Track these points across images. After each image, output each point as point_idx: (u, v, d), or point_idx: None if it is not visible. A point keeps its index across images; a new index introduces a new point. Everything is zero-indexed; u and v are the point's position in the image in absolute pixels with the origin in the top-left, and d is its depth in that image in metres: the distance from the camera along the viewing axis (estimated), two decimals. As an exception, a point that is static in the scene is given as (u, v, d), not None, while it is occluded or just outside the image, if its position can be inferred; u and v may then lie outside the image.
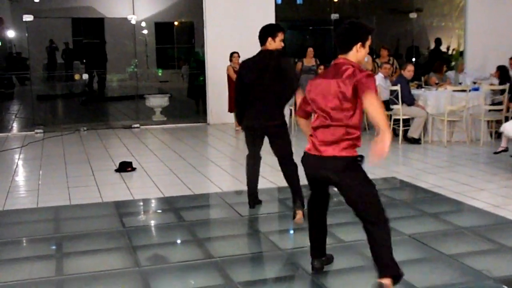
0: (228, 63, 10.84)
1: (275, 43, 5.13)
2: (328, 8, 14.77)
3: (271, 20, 11.62)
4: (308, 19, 18.01)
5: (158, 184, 6.75)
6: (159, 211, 5.93)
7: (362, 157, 3.49)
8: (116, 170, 7.48)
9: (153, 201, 6.13)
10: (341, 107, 3.40)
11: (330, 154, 3.45)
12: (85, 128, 11.43)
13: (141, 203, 6.04)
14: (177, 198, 6.15)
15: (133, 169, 7.55)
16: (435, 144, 9.06)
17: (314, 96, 3.53)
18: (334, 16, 13.31)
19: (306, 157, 3.63)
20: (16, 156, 8.86)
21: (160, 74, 18.56)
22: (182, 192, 6.40)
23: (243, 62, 5.32)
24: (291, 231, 5.20)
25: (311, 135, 3.61)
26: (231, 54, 10.71)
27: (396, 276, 3.48)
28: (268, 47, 5.15)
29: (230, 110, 10.93)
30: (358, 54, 3.45)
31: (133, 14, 12.26)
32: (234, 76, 10.69)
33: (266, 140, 5.36)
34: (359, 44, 3.43)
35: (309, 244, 3.99)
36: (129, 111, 13.77)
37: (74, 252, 4.53)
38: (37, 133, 11.08)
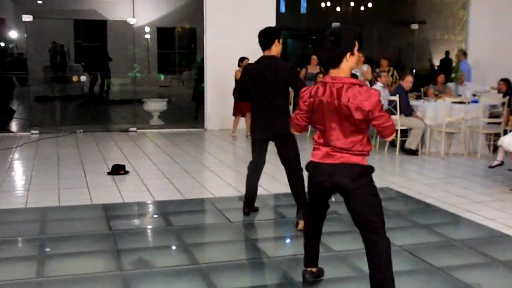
0: (233, 68, 10.73)
1: (279, 46, 5.05)
2: (331, 17, 14.75)
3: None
4: (310, 28, 17.99)
5: (150, 188, 6.67)
6: (148, 215, 5.85)
7: (373, 168, 3.44)
8: (109, 173, 7.40)
9: (142, 204, 6.04)
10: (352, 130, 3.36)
11: (346, 161, 3.36)
12: (81, 131, 11.36)
13: (130, 207, 5.95)
14: (167, 202, 6.07)
15: (126, 172, 7.47)
16: (433, 155, 8.98)
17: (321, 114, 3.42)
18: (335, 24, 13.27)
19: (316, 166, 3.48)
20: (10, 157, 8.78)
21: (162, 79, 18.51)
22: (173, 196, 6.32)
23: (249, 66, 5.28)
24: (281, 239, 5.13)
25: (317, 145, 3.50)
26: (241, 59, 10.64)
27: None
28: (272, 50, 5.02)
29: (234, 114, 10.83)
30: (350, 63, 3.36)
31: (133, 17, 12.22)
32: None
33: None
34: (348, 55, 3.33)
35: (298, 252, 3.91)
36: (127, 114, 13.70)
37: (57, 254, 4.45)
38: (33, 134, 11.01)
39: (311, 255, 3.86)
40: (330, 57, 3.35)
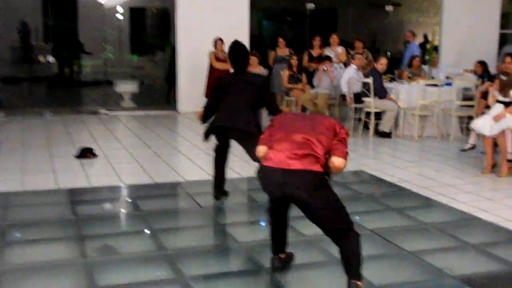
0: (206, 49, 10.58)
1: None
2: (306, -2, 14.55)
3: (245, 7, 11.38)
4: (286, 9, 17.81)
5: (119, 172, 6.51)
6: (115, 200, 5.69)
7: (329, 174, 3.35)
8: (76, 156, 7.20)
9: (110, 189, 5.87)
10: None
11: (299, 167, 3.24)
12: (50, 113, 11.08)
13: (97, 191, 5.78)
14: (136, 187, 5.93)
15: (94, 155, 7.28)
16: (406, 138, 8.93)
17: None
18: (310, 6, 13.12)
19: (268, 171, 3.34)
20: (-26, 140, 8.51)
21: (135, 59, 18.17)
22: (143, 181, 6.17)
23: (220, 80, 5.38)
24: (251, 224, 5.02)
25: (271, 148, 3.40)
26: (215, 41, 10.50)
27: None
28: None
29: (206, 95, 10.67)
30: None
31: (104, -4, 11.93)
32: (215, 63, 10.50)
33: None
34: None
35: (268, 237, 3.82)
36: (98, 96, 13.42)
37: (17, 241, 4.29)
38: (-1, 116, 10.71)
39: (278, 243, 3.77)
40: None
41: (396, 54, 16.16)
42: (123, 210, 5.26)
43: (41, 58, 12.68)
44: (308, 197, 3.23)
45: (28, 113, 10.99)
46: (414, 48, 11.46)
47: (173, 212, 5.27)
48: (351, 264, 3.33)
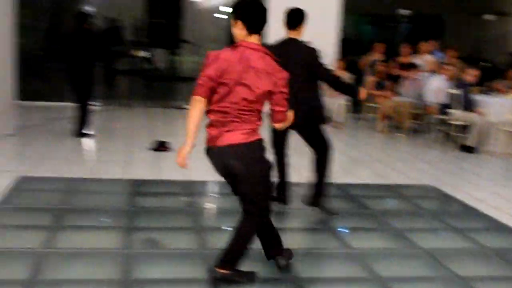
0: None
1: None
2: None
3: (336, 12, 11.10)
4: (379, 14, 17.49)
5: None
6: (179, 194, 5.65)
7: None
8: (152, 149, 7.37)
9: (175, 183, 5.89)
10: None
11: (235, 141, 3.20)
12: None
13: (162, 184, 5.82)
14: (205, 183, 5.96)
15: (168, 149, 7.39)
16: (492, 155, 8.40)
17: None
18: (405, 11, 12.70)
19: (211, 151, 3.32)
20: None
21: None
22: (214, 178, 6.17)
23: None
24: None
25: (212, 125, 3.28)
26: None
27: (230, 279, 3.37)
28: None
29: None
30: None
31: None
32: None
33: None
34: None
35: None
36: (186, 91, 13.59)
37: (71, 226, 4.44)
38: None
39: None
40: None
41: (497, 65, 15.27)
42: (178, 206, 5.24)
43: (139, 53, 12.89)
44: (239, 165, 3.26)
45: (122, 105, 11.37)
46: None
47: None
48: (229, 247, 3.34)
